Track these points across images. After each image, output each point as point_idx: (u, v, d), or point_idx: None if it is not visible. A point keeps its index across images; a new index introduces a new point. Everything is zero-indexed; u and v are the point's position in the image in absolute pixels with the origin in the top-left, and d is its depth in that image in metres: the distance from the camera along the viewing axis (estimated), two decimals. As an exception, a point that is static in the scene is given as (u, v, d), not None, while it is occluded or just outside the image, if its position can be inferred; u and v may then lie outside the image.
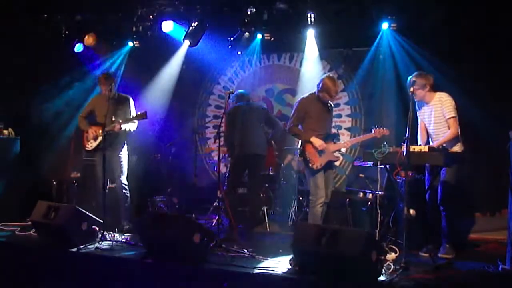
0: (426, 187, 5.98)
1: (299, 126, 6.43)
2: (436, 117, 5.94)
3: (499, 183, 6.77)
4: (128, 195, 7.19)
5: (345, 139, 6.76)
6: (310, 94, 6.52)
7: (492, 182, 7.00)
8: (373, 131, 6.42)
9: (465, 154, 5.86)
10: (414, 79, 5.83)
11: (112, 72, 7.43)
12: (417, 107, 6.10)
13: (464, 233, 6.86)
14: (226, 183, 7.22)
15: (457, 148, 5.86)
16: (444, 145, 5.66)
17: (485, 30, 6.98)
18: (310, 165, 6.24)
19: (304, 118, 6.37)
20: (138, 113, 6.99)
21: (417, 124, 6.21)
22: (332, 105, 6.67)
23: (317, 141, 6.24)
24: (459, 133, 5.83)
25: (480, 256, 5.84)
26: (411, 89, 5.68)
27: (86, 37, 8.85)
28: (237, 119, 7.19)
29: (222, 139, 6.64)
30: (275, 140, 8.28)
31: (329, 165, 6.36)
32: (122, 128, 6.96)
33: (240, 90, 7.74)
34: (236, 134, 7.14)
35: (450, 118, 5.81)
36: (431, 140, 6.06)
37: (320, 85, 6.32)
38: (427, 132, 6.14)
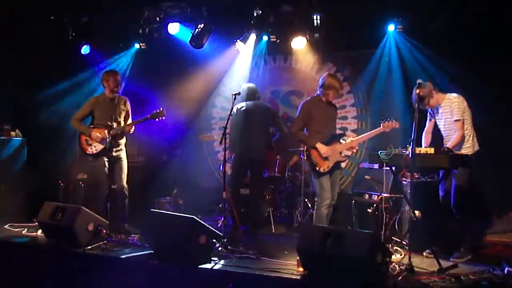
0: (440, 189, 5.99)
1: (304, 129, 6.42)
2: (446, 118, 5.96)
3: (505, 185, 6.76)
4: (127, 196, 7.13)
5: (351, 141, 6.70)
6: (312, 96, 6.53)
7: (498, 184, 6.98)
8: (381, 126, 6.36)
9: (474, 156, 5.85)
10: (420, 93, 5.78)
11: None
12: (430, 110, 6.11)
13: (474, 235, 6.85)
14: (229, 183, 7.21)
15: (468, 150, 5.86)
16: (454, 148, 5.69)
17: (491, 31, 6.97)
18: (317, 168, 6.23)
19: (308, 120, 6.36)
20: (156, 111, 6.92)
21: (424, 126, 6.22)
22: (336, 106, 6.66)
23: (322, 148, 6.21)
24: (473, 135, 5.87)
25: (486, 258, 5.82)
26: (426, 104, 5.82)
27: (93, 39, 8.89)
28: (240, 120, 7.20)
29: (228, 140, 6.63)
30: (279, 143, 8.25)
31: (336, 166, 6.36)
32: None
33: (251, 85, 7.62)
34: (237, 135, 7.15)
35: (456, 120, 5.83)
36: (444, 140, 6.06)
37: (324, 84, 6.31)
38: (432, 135, 6.16)
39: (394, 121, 6.33)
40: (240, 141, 7.16)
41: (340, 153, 6.37)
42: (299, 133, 6.42)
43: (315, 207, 6.36)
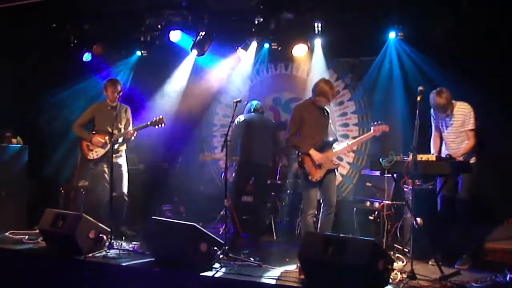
0: (438, 197, 5.97)
1: (297, 135, 6.30)
2: (455, 127, 5.92)
3: (506, 192, 6.74)
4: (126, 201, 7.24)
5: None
6: (305, 99, 6.49)
7: (498, 191, 6.96)
8: (372, 129, 6.33)
9: (475, 165, 5.85)
10: (441, 102, 5.80)
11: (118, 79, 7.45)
12: (433, 115, 6.09)
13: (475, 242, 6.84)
14: (230, 191, 7.20)
15: (472, 160, 5.86)
16: (463, 156, 5.68)
17: (493, 39, 6.96)
18: (310, 177, 6.14)
19: (301, 124, 6.25)
20: (156, 118, 7.10)
21: (430, 133, 6.19)
22: (329, 111, 6.50)
23: (315, 155, 6.12)
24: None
25: (488, 265, 5.80)
26: (448, 111, 5.84)
27: (95, 46, 8.91)
28: (245, 128, 7.22)
29: (229, 148, 6.63)
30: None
31: (327, 172, 6.24)
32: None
33: (256, 102, 7.75)
34: (242, 142, 7.17)
35: (471, 130, 5.82)
36: (445, 146, 6.03)
37: (316, 89, 6.22)
38: (441, 140, 6.13)
39: (384, 124, 6.30)
40: (247, 147, 7.16)
41: (332, 160, 6.30)
42: (292, 138, 6.29)
43: (301, 214, 6.35)
